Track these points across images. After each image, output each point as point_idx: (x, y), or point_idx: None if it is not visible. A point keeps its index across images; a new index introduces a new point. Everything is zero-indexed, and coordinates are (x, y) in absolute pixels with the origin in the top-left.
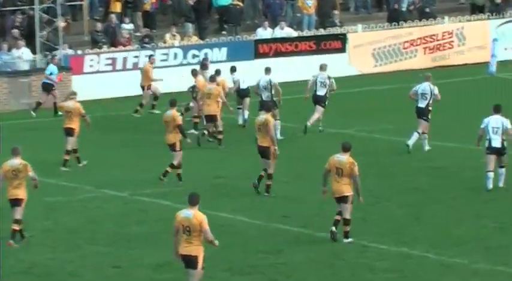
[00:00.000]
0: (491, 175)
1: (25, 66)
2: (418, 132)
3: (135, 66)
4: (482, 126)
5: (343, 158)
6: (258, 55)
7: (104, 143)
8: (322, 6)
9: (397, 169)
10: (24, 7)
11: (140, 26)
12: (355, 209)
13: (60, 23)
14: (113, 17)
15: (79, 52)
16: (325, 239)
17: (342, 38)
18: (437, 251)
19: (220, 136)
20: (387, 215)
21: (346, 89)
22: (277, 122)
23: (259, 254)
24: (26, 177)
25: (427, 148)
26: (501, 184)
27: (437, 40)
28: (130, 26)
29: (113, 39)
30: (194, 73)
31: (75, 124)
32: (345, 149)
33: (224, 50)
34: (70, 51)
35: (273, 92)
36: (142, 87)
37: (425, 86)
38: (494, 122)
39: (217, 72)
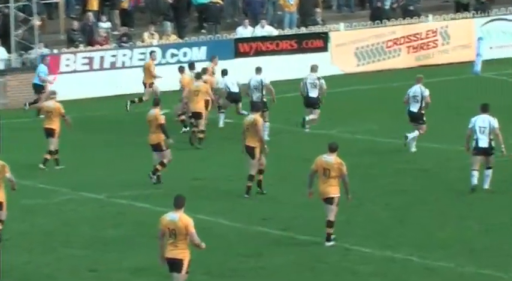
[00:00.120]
0: (475, 173)
1: (0, 66)
2: (420, 133)
3: (113, 66)
4: (470, 126)
5: (331, 159)
6: (238, 54)
7: (81, 144)
8: (304, 4)
9: (381, 170)
10: None
11: (118, 25)
12: (339, 212)
13: (36, 22)
14: (90, 15)
15: (55, 51)
16: (306, 242)
17: (324, 37)
18: (422, 254)
19: (201, 135)
20: (371, 218)
21: (329, 89)
22: (266, 124)
23: (239, 258)
24: (3, 178)
25: (413, 149)
26: (486, 186)
27: (421, 39)
28: (108, 25)
29: (89, 38)
30: (181, 70)
31: (55, 124)
32: (332, 149)
33: (204, 49)
34: (46, 51)
35: (263, 93)
36: (144, 85)
37: (416, 89)
38: (482, 121)
39: (204, 71)
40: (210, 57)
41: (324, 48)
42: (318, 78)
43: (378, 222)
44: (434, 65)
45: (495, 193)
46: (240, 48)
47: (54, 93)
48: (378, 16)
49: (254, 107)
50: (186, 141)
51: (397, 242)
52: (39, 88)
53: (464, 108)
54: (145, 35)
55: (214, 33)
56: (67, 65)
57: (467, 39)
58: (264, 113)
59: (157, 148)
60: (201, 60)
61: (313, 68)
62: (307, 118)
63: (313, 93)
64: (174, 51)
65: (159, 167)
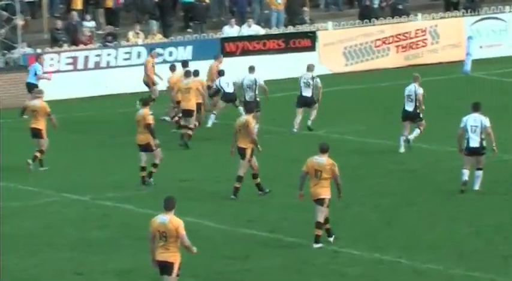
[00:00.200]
0: (466, 171)
1: None
2: (420, 130)
3: (97, 66)
4: (461, 125)
5: (323, 160)
6: (224, 54)
7: (65, 145)
8: (292, 3)
9: (369, 171)
10: None
11: (102, 24)
12: None
13: (19, 21)
14: (74, 14)
15: (38, 51)
16: (294, 244)
17: (312, 36)
18: (410, 256)
19: (190, 132)
20: (359, 219)
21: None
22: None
23: (225, 260)
24: None
25: (402, 149)
26: (477, 187)
27: (410, 38)
28: (92, 24)
29: (73, 38)
30: (172, 68)
31: (41, 124)
32: (323, 150)
33: (189, 48)
34: (29, 50)
35: (257, 92)
36: (147, 84)
37: (411, 87)
38: (473, 120)
39: (196, 72)
40: (215, 56)
41: (311, 48)
42: (313, 78)
43: (366, 224)
44: (423, 65)
45: (485, 194)
46: (227, 48)
47: (40, 92)
48: (367, 15)
49: (247, 108)
50: (173, 141)
51: (385, 244)
52: (33, 87)
53: (454, 109)
54: (131, 34)
55: (200, 32)
56: (51, 65)
57: (456, 39)
58: (257, 114)
59: (147, 148)
60: (187, 60)
61: (309, 68)
62: (309, 123)
63: (307, 93)
64: (160, 50)
65: (153, 169)
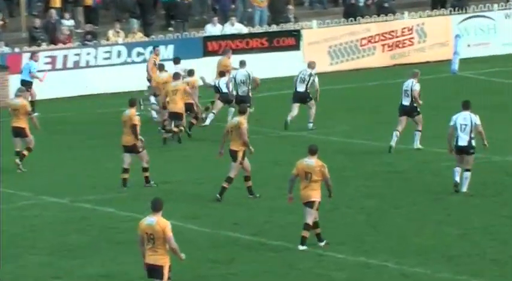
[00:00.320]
0: (458, 169)
1: None
2: (419, 130)
3: (76, 65)
4: (451, 123)
5: (312, 162)
6: (206, 53)
7: (43, 146)
8: (275, 1)
9: (355, 172)
10: None
11: (81, 22)
12: None
13: None
14: (53, 12)
15: (16, 50)
16: (279, 248)
17: (296, 35)
18: (398, 260)
19: (176, 129)
20: (345, 222)
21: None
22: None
23: (209, 264)
24: None
25: (393, 143)
26: (464, 189)
27: (397, 37)
28: (71, 22)
29: (52, 36)
30: (161, 67)
31: (23, 123)
32: (312, 152)
33: (171, 47)
34: (7, 49)
35: (250, 87)
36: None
37: (409, 82)
38: (463, 118)
39: (191, 72)
40: (223, 51)
41: (295, 47)
42: (310, 75)
43: (352, 226)
44: (410, 64)
45: (473, 196)
46: (209, 47)
47: (22, 90)
48: (352, 13)
49: (240, 109)
50: (158, 142)
51: (372, 247)
52: (28, 84)
53: (442, 109)
54: (110, 33)
55: (182, 31)
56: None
57: (444, 37)
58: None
59: (132, 149)
60: (168, 60)
61: (310, 65)
62: (310, 125)
63: (301, 88)
64: (140, 49)
65: (146, 173)
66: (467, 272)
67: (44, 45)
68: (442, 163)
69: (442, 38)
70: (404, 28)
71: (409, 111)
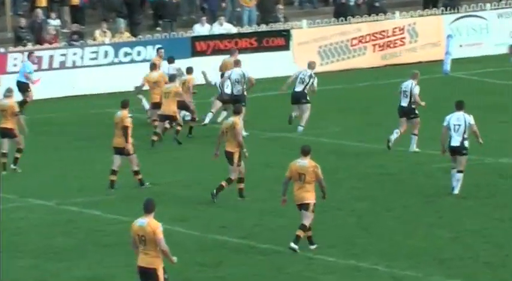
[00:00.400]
0: (455, 171)
1: None
2: (415, 134)
3: (62, 65)
4: (444, 124)
5: (305, 163)
6: (195, 53)
7: (30, 147)
8: (264, 0)
9: (346, 174)
10: None
11: (68, 22)
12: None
13: None
14: (39, 12)
15: (2, 50)
16: (268, 251)
17: (286, 35)
18: (388, 263)
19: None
20: (335, 225)
21: (291, 89)
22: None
23: (197, 267)
24: None
25: (392, 138)
26: (456, 191)
27: (388, 37)
28: (57, 22)
29: (38, 36)
30: (153, 66)
31: (11, 123)
32: (305, 152)
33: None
34: None
35: (245, 86)
36: None
37: (408, 84)
38: (456, 119)
39: (189, 69)
40: (230, 52)
41: (285, 47)
42: (310, 76)
43: (343, 229)
44: (401, 64)
45: (466, 198)
46: (197, 47)
47: (10, 91)
48: (342, 13)
49: (235, 109)
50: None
51: (362, 250)
52: (24, 86)
53: (433, 110)
54: (97, 32)
55: (169, 31)
56: (15, 65)
57: (436, 37)
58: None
59: (123, 151)
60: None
61: (310, 65)
62: (301, 129)
63: (299, 88)
64: (128, 50)
65: (138, 177)
66: (460, 276)
67: (29, 46)
68: (435, 164)
69: (433, 38)
70: (395, 28)
71: (407, 113)
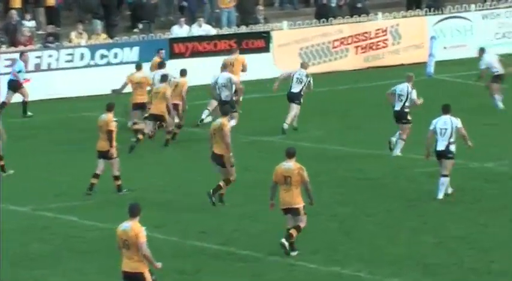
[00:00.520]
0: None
1: None
2: (403, 139)
3: (37, 68)
4: (431, 127)
5: (290, 165)
6: (173, 55)
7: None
8: (244, 1)
9: (327, 179)
10: None
11: (43, 23)
12: (280, 224)
13: None
14: (13, 13)
15: None
16: (248, 258)
17: (266, 36)
18: (371, 270)
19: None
20: (316, 230)
21: (270, 92)
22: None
23: (175, 274)
24: None
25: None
26: (440, 196)
27: (370, 38)
28: (32, 23)
29: (12, 38)
30: (138, 67)
31: None
32: (290, 154)
33: (136, 49)
34: None
35: (232, 91)
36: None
37: (404, 87)
38: (443, 123)
39: (183, 71)
40: (231, 52)
41: (265, 49)
42: (307, 76)
43: (324, 235)
44: (384, 67)
45: (450, 203)
46: (175, 49)
47: None
48: (324, 14)
49: (223, 110)
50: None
51: (344, 256)
52: (15, 85)
53: (416, 113)
54: (73, 34)
55: (147, 32)
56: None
57: (419, 39)
58: (233, 114)
59: (106, 155)
60: (133, 62)
61: (303, 65)
62: (286, 125)
63: (296, 89)
64: (104, 52)
65: (117, 182)
66: None
67: (3, 48)
68: (418, 169)
69: (417, 39)
70: (378, 29)
71: (399, 117)
